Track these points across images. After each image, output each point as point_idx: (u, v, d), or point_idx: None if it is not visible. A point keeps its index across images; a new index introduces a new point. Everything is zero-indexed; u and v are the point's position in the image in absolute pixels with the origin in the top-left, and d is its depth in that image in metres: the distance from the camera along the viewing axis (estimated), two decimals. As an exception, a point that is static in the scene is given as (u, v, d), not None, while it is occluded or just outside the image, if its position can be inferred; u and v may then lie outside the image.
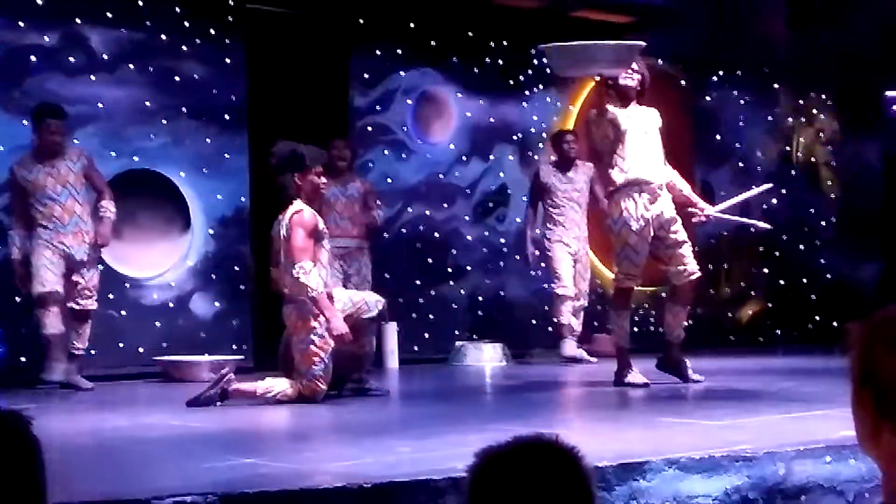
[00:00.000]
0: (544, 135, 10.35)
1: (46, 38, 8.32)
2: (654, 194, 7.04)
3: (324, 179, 6.73)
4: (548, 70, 8.92)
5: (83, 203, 7.68)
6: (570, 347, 9.23)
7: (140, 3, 8.66)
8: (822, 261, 11.57)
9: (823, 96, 11.82)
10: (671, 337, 7.26)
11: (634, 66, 7.11)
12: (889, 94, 11.53)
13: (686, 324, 7.34)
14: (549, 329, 9.74)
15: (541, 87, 10.55)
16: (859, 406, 1.71)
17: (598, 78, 7.22)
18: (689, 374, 7.20)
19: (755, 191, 8.03)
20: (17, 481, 1.57)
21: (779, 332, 11.34)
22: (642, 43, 7.16)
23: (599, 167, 7.27)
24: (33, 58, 8.25)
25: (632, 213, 6.99)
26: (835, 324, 10.89)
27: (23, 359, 7.97)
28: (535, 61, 10.44)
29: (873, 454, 1.71)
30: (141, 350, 8.54)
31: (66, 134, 7.80)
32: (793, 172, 11.81)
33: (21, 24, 8.22)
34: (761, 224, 8.02)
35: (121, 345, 8.42)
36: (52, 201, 7.55)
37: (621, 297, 7.23)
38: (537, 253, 9.46)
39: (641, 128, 7.09)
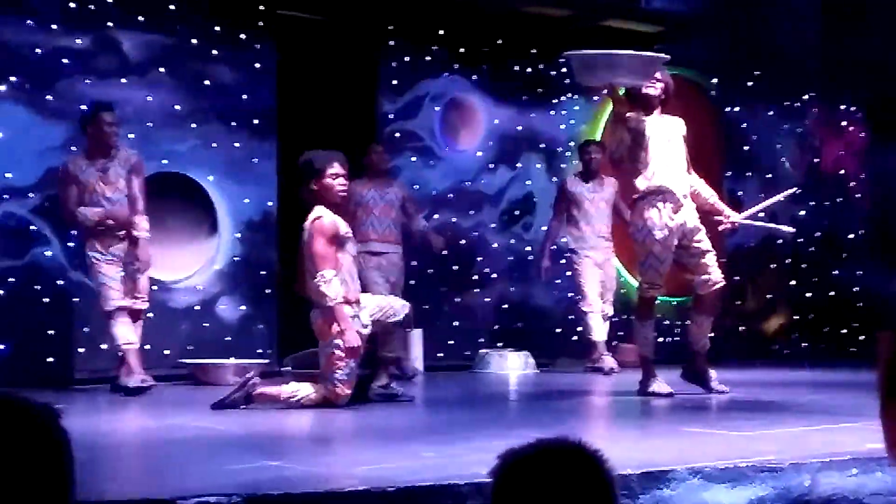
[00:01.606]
0: (572, 143, 10.36)
1: (78, 42, 8.39)
2: (677, 203, 7.02)
3: (341, 181, 6.62)
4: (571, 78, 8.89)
5: (111, 207, 7.66)
6: (608, 361, 9.21)
7: (171, 8, 8.72)
8: (850, 273, 11.51)
9: (853, 107, 11.77)
10: (696, 347, 7.24)
11: (658, 74, 7.11)
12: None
13: (711, 334, 7.31)
14: (574, 338, 9.74)
15: (569, 95, 10.56)
16: (888, 416, 1.70)
17: (622, 88, 7.21)
18: (713, 384, 7.18)
19: (780, 196, 8.01)
20: (46, 474, 1.58)
21: (805, 344, 11.29)
22: (666, 56, 7.17)
23: (620, 176, 7.27)
24: (65, 60, 8.32)
25: (655, 221, 6.97)
26: (862, 337, 10.84)
27: (50, 359, 8.03)
28: (564, 70, 10.44)
29: (900, 463, 1.70)
30: (167, 353, 8.58)
31: (120, 126, 7.79)
32: (821, 184, 11.76)
33: (53, 27, 8.29)
34: (786, 228, 8.00)
35: (147, 347, 8.45)
36: (101, 207, 7.57)
37: (645, 306, 7.21)
38: (549, 264, 9.45)
39: (665, 136, 7.08)
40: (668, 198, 7.00)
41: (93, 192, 7.54)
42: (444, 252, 9.33)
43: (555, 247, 9.56)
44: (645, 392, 7.09)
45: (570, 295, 9.58)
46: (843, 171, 11.85)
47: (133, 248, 7.59)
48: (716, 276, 7.11)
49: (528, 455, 1.70)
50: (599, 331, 9.28)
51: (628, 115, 7.10)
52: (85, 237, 7.61)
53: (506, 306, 10.21)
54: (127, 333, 7.49)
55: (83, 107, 7.91)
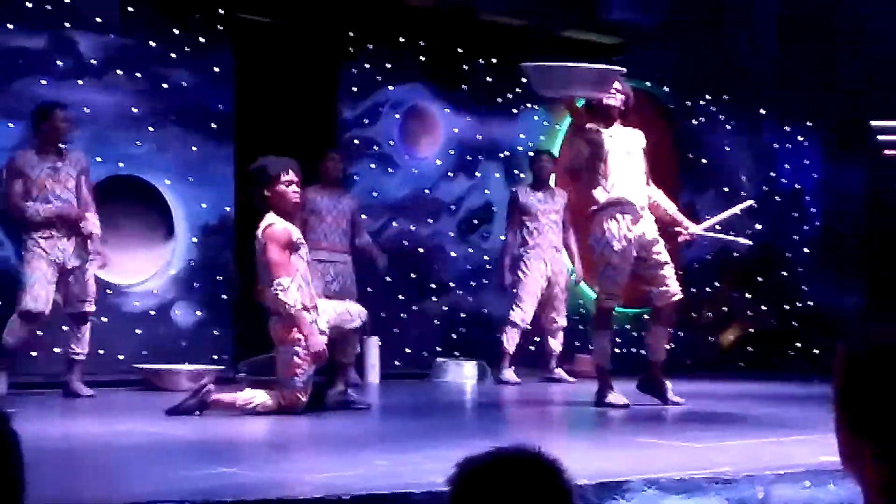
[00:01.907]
0: (531, 153, 10.37)
1: (35, 42, 8.30)
2: (636, 215, 7.05)
3: (294, 188, 6.58)
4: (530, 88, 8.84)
5: (62, 204, 7.62)
6: (507, 373, 9.21)
7: (129, 10, 8.65)
8: (804, 288, 11.61)
9: (809, 123, 11.88)
10: (652, 358, 7.26)
11: (618, 85, 7.12)
12: (874, 123, 11.57)
13: (668, 346, 7.34)
14: (531, 348, 9.74)
15: (528, 105, 10.57)
16: (840, 427, 1.71)
17: (581, 99, 7.21)
18: (669, 395, 7.20)
19: (738, 208, 8.06)
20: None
21: (759, 358, 11.36)
22: (623, 69, 7.19)
23: (575, 187, 7.32)
24: (21, 61, 8.23)
25: (614, 233, 6.99)
26: (815, 351, 10.92)
27: None
28: (524, 79, 10.46)
29: (854, 475, 1.71)
30: (121, 357, 8.50)
31: (73, 125, 7.72)
32: (777, 198, 11.85)
33: (9, 26, 8.20)
34: (743, 241, 8.07)
35: (101, 351, 8.36)
36: (50, 204, 7.50)
37: (602, 317, 7.22)
38: (511, 279, 9.43)
39: (624, 148, 7.10)
40: (627, 209, 7.02)
41: (42, 188, 7.48)
42: (386, 269, 9.26)
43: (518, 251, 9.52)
44: (601, 403, 7.10)
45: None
46: (798, 186, 11.95)
47: (82, 246, 7.53)
48: (673, 287, 7.14)
49: (486, 463, 1.69)
50: (513, 343, 9.26)
51: (587, 125, 7.12)
52: (29, 231, 7.50)
53: (463, 315, 10.20)
54: (21, 334, 7.42)
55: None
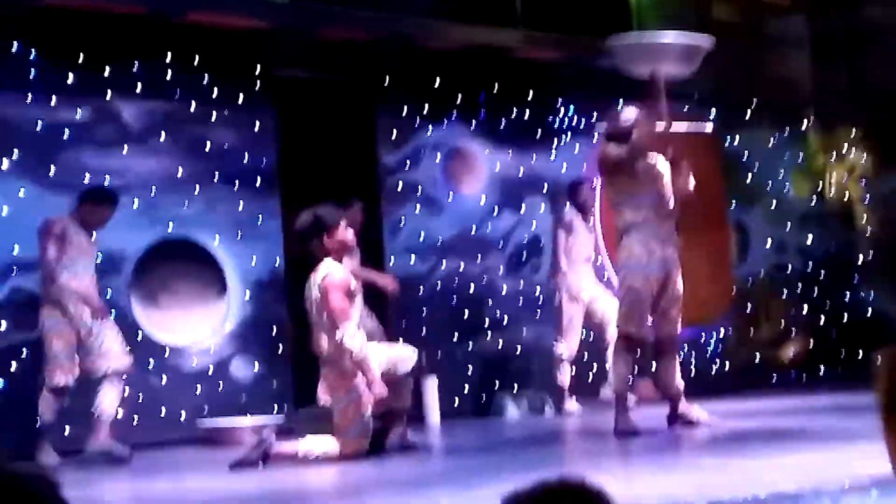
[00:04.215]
0: (570, 182, 10.36)
1: (78, 113, 8.45)
2: (663, 240, 6.98)
3: (350, 232, 6.76)
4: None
5: (93, 275, 7.73)
6: (569, 405, 9.21)
7: (168, 74, 8.78)
8: (861, 297, 11.49)
9: (854, 131, 11.79)
10: (671, 393, 7.13)
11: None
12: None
13: (679, 374, 7.14)
14: (590, 380, 9.69)
15: (567, 136, 10.59)
16: (890, 432, 1.71)
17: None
18: (698, 418, 7.08)
19: None
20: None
21: (821, 369, 11.25)
22: (709, 41, 7.16)
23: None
24: (66, 133, 8.38)
25: (639, 258, 6.92)
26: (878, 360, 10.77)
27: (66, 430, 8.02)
28: (560, 114, 10.50)
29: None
30: (182, 415, 8.57)
31: (109, 215, 7.82)
32: (827, 210, 11.77)
33: (53, 100, 8.36)
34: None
35: (162, 411, 8.46)
36: (73, 273, 7.56)
37: (619, 341, 7.13)
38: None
39: (652, 175, 7.06)
40: (653, 233, 6.95)
41: (82, 251, 7.59)
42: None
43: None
44: (617, 431, 6.94)
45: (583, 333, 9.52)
46: (847, 196, 11.86)
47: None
48: (677, 321, 7.07)
49: (532, 496, 1.70)
50: (566, 375, 9.26)
51: (618, 151, 7.03)
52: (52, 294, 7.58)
53: (518, 349, 10.19)
54: (55, 406, 7.49)
55: (87, 176, 7.96)
